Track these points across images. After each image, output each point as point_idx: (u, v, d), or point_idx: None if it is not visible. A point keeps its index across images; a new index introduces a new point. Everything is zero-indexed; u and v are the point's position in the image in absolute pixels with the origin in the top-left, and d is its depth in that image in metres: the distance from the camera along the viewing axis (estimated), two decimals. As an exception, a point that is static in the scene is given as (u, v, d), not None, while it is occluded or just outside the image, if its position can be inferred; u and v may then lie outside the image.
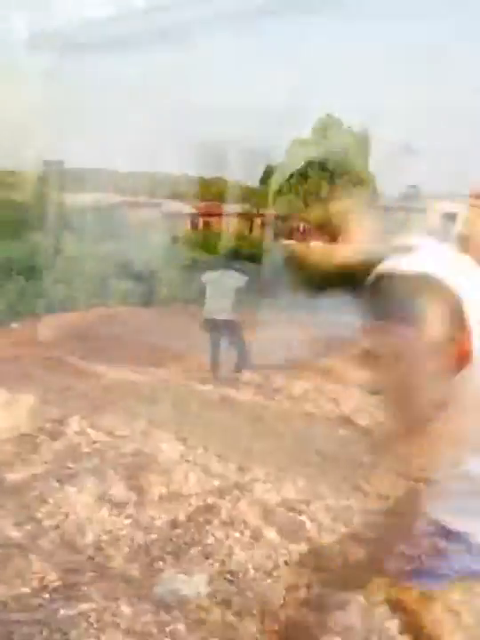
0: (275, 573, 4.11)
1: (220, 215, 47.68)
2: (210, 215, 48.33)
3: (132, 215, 26.89)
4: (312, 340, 10.56)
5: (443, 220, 64.29)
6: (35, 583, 3.77)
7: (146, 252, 16.50)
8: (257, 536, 4.45)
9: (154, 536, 4.36)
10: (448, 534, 2.14)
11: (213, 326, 7.18)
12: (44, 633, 3.21)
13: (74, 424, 5.73)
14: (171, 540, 4.36)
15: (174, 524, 4.50)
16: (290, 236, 51.55)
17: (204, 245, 18.84)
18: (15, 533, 4.28)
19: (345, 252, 19.74)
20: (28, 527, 4.36)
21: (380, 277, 2.10)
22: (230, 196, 63.79)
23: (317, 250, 26.91)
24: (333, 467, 5.62)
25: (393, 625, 3.18)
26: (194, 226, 44.89)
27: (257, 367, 8.28)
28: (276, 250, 18.39)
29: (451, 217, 66.13)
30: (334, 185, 49.69)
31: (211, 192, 74.20)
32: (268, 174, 65.66)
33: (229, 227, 35.95)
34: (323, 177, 48.60)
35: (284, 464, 5.50)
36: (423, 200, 75.26)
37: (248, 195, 63.06)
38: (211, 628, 3.43)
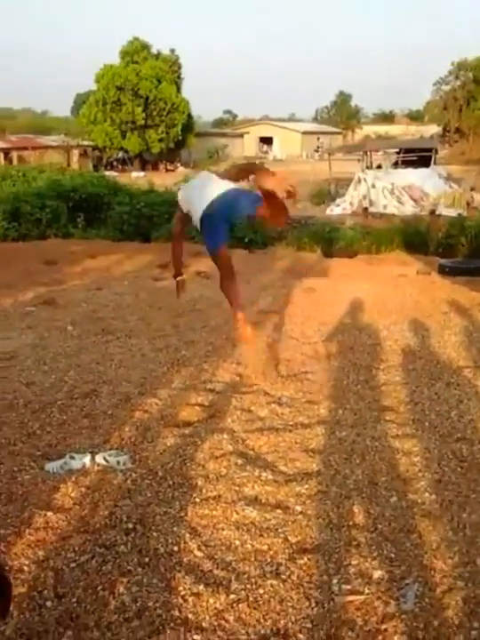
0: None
1: (34, 148, 45.94)
2: (23, 149, 46.43)
3: None
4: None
5: (260, 144, 66.07)
6: None
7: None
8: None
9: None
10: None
11: None
12: None
13: None
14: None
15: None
16: (110, 167, 50.84)
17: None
18: None
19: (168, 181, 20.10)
20: None
21: None
22: (42, 128, 61.38)
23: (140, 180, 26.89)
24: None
25: None
26: (8, 160, 42.97)
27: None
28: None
29: (267, 141, 68.07)
30: (149, 112, 49.20)
31: (18, 125, 71.02)
32: (78, 103, 63.79)
33: (46, 160, 34.73)
34: (137, 104, 47.94)
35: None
36: (240, 125, 76.49)
37: (61, 126, 61.18)
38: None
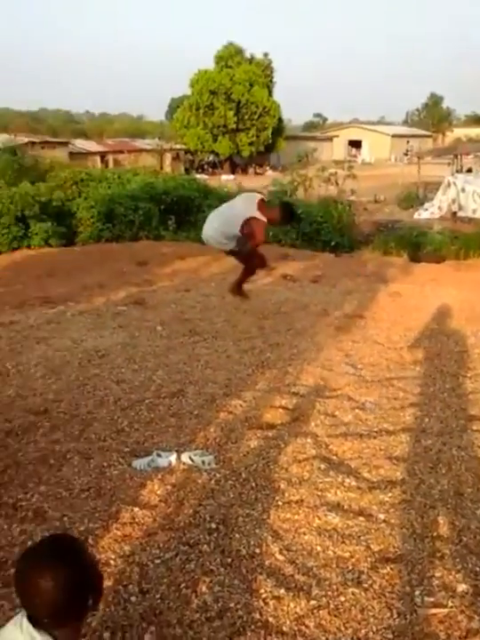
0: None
1: (129, 152, 47.03)
2: (119, 152, 47.58)
3: (43, 155, 26.35)
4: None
5: (348, 147, 65.33)
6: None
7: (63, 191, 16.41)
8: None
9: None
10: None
11: None
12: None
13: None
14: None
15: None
16: (201, 170, 51.47)
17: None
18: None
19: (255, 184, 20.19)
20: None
21: None
22: (137, 132, 62.75)
23: (229, 183, 27.10)
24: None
25: None
26: (104, 163, 44.16)
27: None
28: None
29: (356, 144, 67.24)
30: (241, 116, 49.47)
31: (115, 129, 72.87)
32: (173, 108, 64.82)
33: (140, 163, 35.50)
34: (229, 108, 48.30)
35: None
36: (329, 128, 75.94)
37: (155, 130, 62.35)
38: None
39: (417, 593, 3.19)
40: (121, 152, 50.17)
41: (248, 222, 6.83)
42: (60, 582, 1.89)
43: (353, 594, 3.17)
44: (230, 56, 54.26)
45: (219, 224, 7.09)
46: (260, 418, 5.34)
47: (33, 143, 39.08)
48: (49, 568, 1.91)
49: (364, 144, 70.24)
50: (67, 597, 1.91)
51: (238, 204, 7.20)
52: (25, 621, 1.96)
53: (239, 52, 55.11)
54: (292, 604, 3.10)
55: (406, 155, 62.55)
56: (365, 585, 3.24)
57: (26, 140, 38.76)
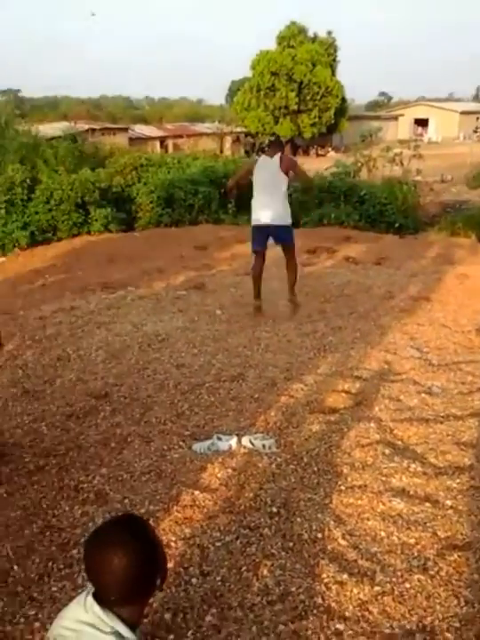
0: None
1: (189, 136, 47.23)
2: (179, 137, 47.84)
3: (102, 141, 26.69)
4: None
5: (414, 126, 63.98)
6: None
7: (123, 177, 16.59)
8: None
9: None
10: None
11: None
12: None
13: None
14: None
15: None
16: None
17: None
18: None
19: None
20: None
21: None
22: (197, 116, 62.89)
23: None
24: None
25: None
26: (164, 148, 44.47)
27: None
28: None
29: (422, 123, 65.72)
30: (303, 97, 48.99)
31: (175, 114, 73.24)
32: (233, 90, 64.69)
33: (199, 147, 35.60)
34: (290, 89, 47.89)
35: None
36: (394, 107, 74.53)
37: (215, 114, 62.45)
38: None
39: (486, 581, 3.13)
40: (180, 137, 50.43)
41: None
42: (133, 559, 1.92)
43: (419, 581, 3.13)
44: (292, 36, 53.66)
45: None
46: (321, 402, 5.31)
47: (93, 130, 39.66)
48: (122, 545, 1.94)
49: (430, 122, 68.74)
50: (138, 575, 1.94)
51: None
52: (89, 599, 2.00)
53: (302, 31, 54.44)
54: (355, 590, 3.08)
55: (476, 132, 60.97)
56: (431, 572, 3.19)
57: (86, 127, 39.36)
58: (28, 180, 15.27)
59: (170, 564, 3.28)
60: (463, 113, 68.96)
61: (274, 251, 8.30)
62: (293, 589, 3.10)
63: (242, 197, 17.72)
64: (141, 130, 53.64)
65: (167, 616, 2.97)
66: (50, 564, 3.37)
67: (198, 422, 5.02)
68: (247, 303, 8.26)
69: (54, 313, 8.16)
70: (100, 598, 1.98)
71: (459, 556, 3.29)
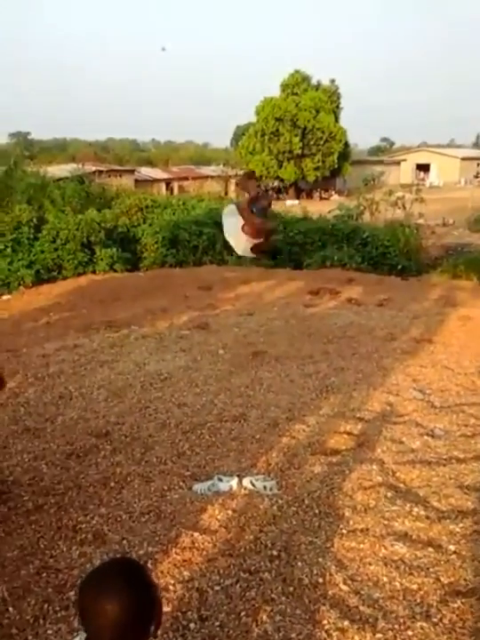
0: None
1: (194, 178, 47.72)
2: (184, 179, 48.34)
3: (109, 182, 26.97)
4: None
5: (416, 171, 64.65)
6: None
7: (128, 217, 16.73)
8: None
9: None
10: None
11: None
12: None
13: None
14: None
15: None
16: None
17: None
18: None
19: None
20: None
21: None
22: (202, 159, 63.65)
23: (294, 208, 27.11)
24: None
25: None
26: (169, 190, 44.91)
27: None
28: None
29: (424, 168, 66.44)
30: (306, 142, 49.64)
31: (181, 156, 74.19)
32: (238, 135, 65.61)
33: (204, 189, 35.93)
34: (294, 134, 48.55)
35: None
36: (396, 152, 75.41)
37: (220, 157, 63.23)
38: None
39: (490, 629, 3.04)
40: (186, 179, 50.94)
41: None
42: (127, 606, 1.85)
43: (421, 628, 3.04)
44: (296, 83, 54.61)
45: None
46: (323, 443, 5.25)
47: (100, 172, 40.07)
48: (117, 592, 1.87)
49: (432, 167, 69.47)
50: (132, 622, 1.87)
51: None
52: None
53: (305, 79, 55.42)
54: (356, 637, 3.00)
55: (477, 177, 61.58)
56: (434, 619, 3.11)
57: (93, 168, 39.77)
58: (34, 220, 15.43)
59: (167, 608, 3.20)
60: (464, 159, 69.73)
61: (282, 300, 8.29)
62: (293, 636, 3.02)
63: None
64: (147, 172, 54.20)
65: (164, 662, 2.89)
66: (45, 605, 3.29)
67: (199, 462, 4.96)
68: (250, 343, 8.24)
69: (57, 351, 8.14)
70: None
71: (462, 603, 3.21)
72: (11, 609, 3.27)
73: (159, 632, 2.96)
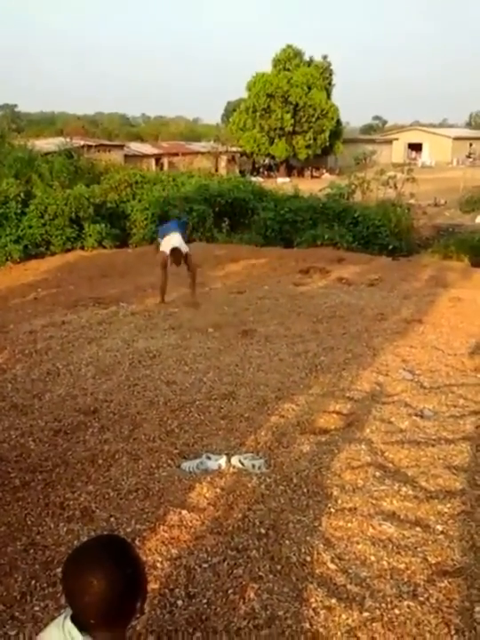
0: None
1: (184, 154, 47.40)
2: (174, 155, 48.00)
3: (98, 157, 26.71)
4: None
5: (408, 150, 64.47)
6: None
7: (118, 193, 16.61)
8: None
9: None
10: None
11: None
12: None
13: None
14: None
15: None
16: (257, 173, 51.53)
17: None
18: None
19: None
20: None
21: None
22: (193, 135, 63.18)
23: (285, 186, 27.00)
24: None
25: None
26: (159, 166, 44.60)
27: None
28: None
29: (416, 147, 66.23)
30: (298, 119, 49.34)
31: (171, 132, 73.59)
32: (228, 111, 65.11)
33: (195, 166, 35.72)
34: (286, 111, 48.23)
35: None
36: (389, 131, 75.09)
37: (211, 133, 62.80)
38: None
39: (477, 609, 3.07)
40: (176, 155, 50.56)
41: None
42: (114, 583, 1.85)
43: (408, 607, 3.07)
44: (288, 59, 54.15)
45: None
46: (312, 422, 5.26)
47: (89, 146, 39.66)
48: (102, 568, 1.87)
49: (424, 147, 69.29)
50: (119, 599, 1.87)
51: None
52: (68, 622, 1.92)
53: (297, 54, 54.95)
54: (343, 615, 3.02)
55: (469, 157, 61.52)
56: (421, 598, 3.13)
57: (82, 143, 39.32)
58: (22, 195, 15.31)
59: (155, 586, 3.22)
60: (456, 138, 69.58)
61: (273, 284, 8.26)
62: (281, 613, 3.04)
63: (234, 216, 17.84)
64: (137, 147, 53.75)
65: (151, 639, 2.91)
66: (33, 582, 3.30)
67: (187, 440, 4.96)
68: (240, 322, 8.23)
69: (45, 327, 8.10)
70: (78, 622, 1.91)
71: (449, 583, 3.24)
72: (-3, 585, 3.27)
73: (146, 609, 3.00)
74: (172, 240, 9.36)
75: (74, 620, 1.91)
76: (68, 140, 26.48)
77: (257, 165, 57.01)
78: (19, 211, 15.07)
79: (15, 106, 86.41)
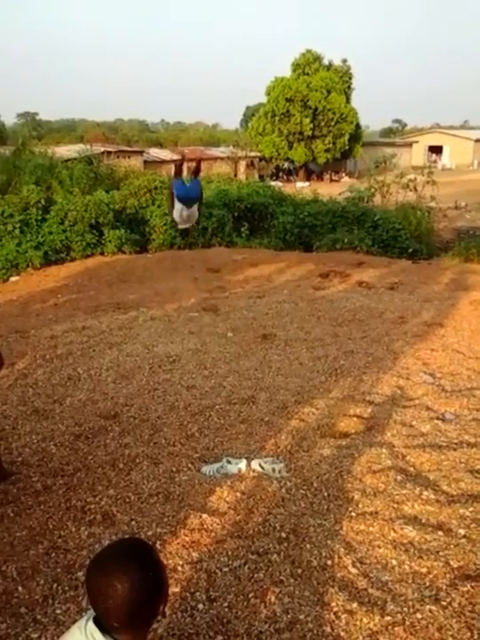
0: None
1: (203, 159, 47.48)
2: (194, 160, 48.08)
3: (118, 163, 26.87)
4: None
5: (428, 153, 64.07)
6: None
7: (137, 199, 16.69)
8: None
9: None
10: None
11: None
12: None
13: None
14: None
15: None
16: (276, 177, 51.48)
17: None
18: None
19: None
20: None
21: None
22: (212, 140, 63.26)
23: (304, 190, 26.99)
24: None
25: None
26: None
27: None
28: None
29: (436, 150, 65.81)
30: (317, 123, 49.29)
31: (190, 137, 73.86)
32: (248, 115, 65.20)
33: (214, 171, 35.77)
34: (305, 115, 48.21)
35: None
36: (408, 134, 74.68)
37: (230, 138, 62.88)
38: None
39: (500, 613, 3.04)
40: (194, 160, 50.67)
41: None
42: (136, 586, 1.86)
43: (430, 611, 3.05)
44: (308, 63, 54.15)
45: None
46: (333, 426, 5.25)
47: (108, 153, 39.86)
48: (125, 571, 1.88)
49: (444, 149, 68.93)
50: (140, 601, 1.88)
51: None
52: (90, 625, 1.94)
53: (317, 58, 54.93)
54: (365, 619, 3.01)
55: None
56: (444, 602, 3.11)
57: (102, 149, 39.54)
58: (42, 201, 15.42)
59: (176, 589, 3.23)
60: (477, 141, 69.12)
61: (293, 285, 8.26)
62: (302, 617, 3.03)
63: (254, 221, 17.87)
64: (156, 153, 54.00)
65: (172, 642, 2.92)
66: (55, 585, 3.32)
67: (208, 445, 4.98)
68: (259, 325, 8.23)
69: (66, 332, 8.16)
70: (101, 624, 1.93)
71: (472, 587, 3.21)
72: (20, 588, 3.30)
73: (168, 612, 3.01)
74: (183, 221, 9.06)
75: (96, 622, 1.93)
76: (88, 146, 26.72)
77: (276, 170, 57.02)
78: (39, 217, 15.19)
79: (36, 114, 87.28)
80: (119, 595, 1.85)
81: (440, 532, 3.70)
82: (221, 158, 51.18)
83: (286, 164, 56.52)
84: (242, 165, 51.39)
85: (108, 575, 1.88)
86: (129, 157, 44.90)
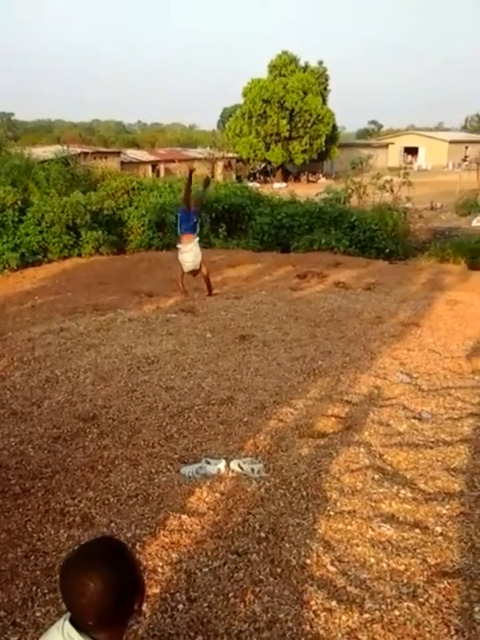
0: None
1: (181, 161, 47.45)
2: (171, 161, 48.06)
3: (94, 165, 26.75)
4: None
5: (404, 154, 64.54)
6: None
7: (115, 200, 16.64)
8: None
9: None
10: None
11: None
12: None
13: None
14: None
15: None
16: (253, 178, 51.55)
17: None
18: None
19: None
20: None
21: None
22: (189, 141, 63.18)
23: (281, 191, 27.05)
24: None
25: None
26: (155, 172, 44.66)
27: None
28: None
29: (412, 151, 66.30)
30: (294, 124, 49.44)
31: (167, 138, 73.69)
32: (225, 117, 65.22)
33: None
34: (282, 116, 48.35)
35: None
36: (384, 136, 75.09)
37: (207, 139, 62.87)
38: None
39: (476, 609, 3.08)
40: (172, 161, 50.61)
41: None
42: (108, 584, 1.87)
43: (408, 608, 3.08)
44: (284, 65, 54.31)
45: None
46: (311, 426, 5.28)
47: (85, 154, 39.63)
48: (97, 569, 1.88)
49: (420, 151, 69.46)
50: (114, 600, 1.89)
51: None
52: (67, 624, 1.94)
53: (293, 60, 55.11)
54: (343, 617, 3.03)
55: (465, 161, 61.64)
56: (421, 599, 3.15)
57: (78, 150, 39.27)
58: (19, 202, 15.33)
59: (156, 590, 3.23)
60: (452, 142, 69.73)
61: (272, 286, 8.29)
62: (281, 616, 3.05)
63: (231, 222, 17.89)
64: (133, 154, 53.83)
65: (152, 643, 2.92)
66: (34, 588, 3.31)
67: (187, 445, 4.98)
68: (238, 326, 8.25)
69: (43, 334, 8.11)
70: (76, 623, 1.93)
71: (449, 584, 3.25)
72: (-1, 592, 3.28)
73: (147, 613, 3.01)
74: (186, 262, 10.16)
75: (72, 621, 1.93)
76: (64, 147, 26.52)
77: (253, 171, 57.09)
78: (16, 218, 15.11)
79: (12, 114, 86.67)
80: (91, 593, 1.85)
81: (417, 530, 3.73)
82: (199, 159, 51.18)
83: (263, 165, 56.63)
84: (219, 166, 51.41)
85: (80, 574, 1.88)
86: (106, 158, 44.72)
